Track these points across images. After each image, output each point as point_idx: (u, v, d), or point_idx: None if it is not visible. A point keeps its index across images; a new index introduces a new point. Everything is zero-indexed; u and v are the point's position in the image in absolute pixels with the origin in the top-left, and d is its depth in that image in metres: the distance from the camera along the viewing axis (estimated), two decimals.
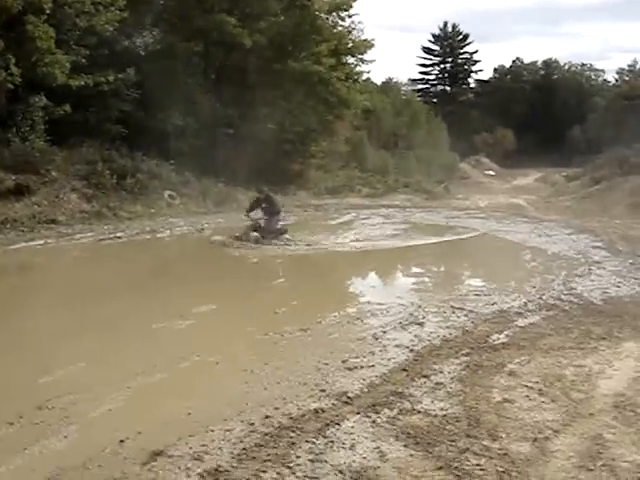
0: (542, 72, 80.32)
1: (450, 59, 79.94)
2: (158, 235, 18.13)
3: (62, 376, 5.99)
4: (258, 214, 16.44)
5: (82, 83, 22.35)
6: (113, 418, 5.01)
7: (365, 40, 34.19)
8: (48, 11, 20.29)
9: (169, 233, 18.61)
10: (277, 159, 32.60)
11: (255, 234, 15.39)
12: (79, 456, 4.24)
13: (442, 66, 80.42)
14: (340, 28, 33.61)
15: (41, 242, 16.05)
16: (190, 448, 4.39)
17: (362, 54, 34.43)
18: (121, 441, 4.49)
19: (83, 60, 22.67)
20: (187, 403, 5.26)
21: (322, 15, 32.32)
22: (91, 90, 23.04)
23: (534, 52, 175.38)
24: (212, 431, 4.70)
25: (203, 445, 4.45)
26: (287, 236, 16.04)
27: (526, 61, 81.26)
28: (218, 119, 30.59)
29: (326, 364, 6.38)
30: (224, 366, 6.36)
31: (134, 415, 5.09)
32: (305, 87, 31.73)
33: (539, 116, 69.76)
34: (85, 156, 22.11)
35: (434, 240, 17.51)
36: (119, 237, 17.34)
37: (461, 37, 79.08)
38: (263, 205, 16.46)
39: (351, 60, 34.88)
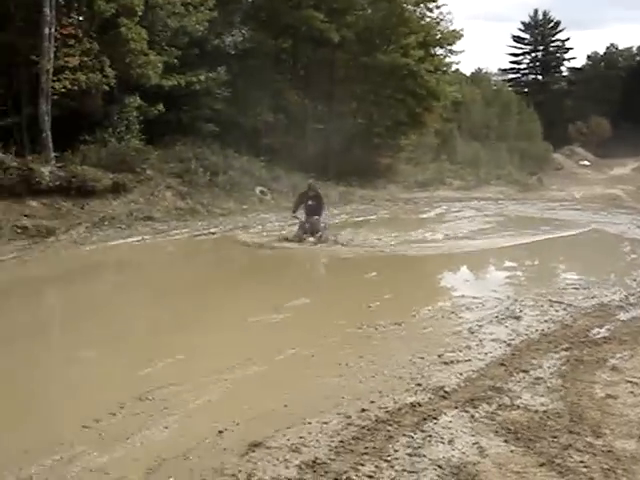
0: (638, 58, 77.31)
1: (541, 47, 77.85)
2: (250, 231, 18.28)
3: (162, 368, 6.04)
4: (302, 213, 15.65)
5: (174, 83, 22.91)
6: (212, 409, 5.04)
7: (454, 31, 33.68)
8: (140, 13, 20.78)
9: (261, 229, 18.73)
10: (366, 153, 32.52)
11: (312, 239, 14.76)
12: (179, 446, 4.26)
13: (533, 55, 78.41)
14: (428, 19, 33.16)
15: (138, 238, 16.41)
16: (288, 440, 4.35)
17: (451, 45, 33.96)
18: (220, 432, 4.50)
19: (175, 60, 23.16)
20: (284, 395, 5.23)
21: (410, 7, 31.96)
22: (183, 90, 23.57)
23: (629, 38, 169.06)
24: (309, 423, 4.65)
25: (300, 437, 4.40)
26: (330, 236, 15.13)
27: (621, 47, 78.54)
28: (307, 115, 30.72)
29: (421, 358, 6.24)
30: (319, 359, 6.31)
31: (232, 407, 5.06)
32: (394, 80, 31.43)
33: (636, 103, 66.98)
34: (178, 154, 22.58)
35: (530, 231, 17.01)
36: (213, 233, 17.59)
37: (552, 24, 76.94)
38: (309, 202, 15.55)
39: (440, 51, 34.44)
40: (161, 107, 22.34)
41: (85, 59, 19.74)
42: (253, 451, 4.18)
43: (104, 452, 4.23)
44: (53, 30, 18.50)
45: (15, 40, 18.30)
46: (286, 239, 15.18)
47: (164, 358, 6.31)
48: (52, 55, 18.68)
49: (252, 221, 20.11)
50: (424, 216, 22.71)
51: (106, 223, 17.54)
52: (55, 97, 19.01)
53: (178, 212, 20.01)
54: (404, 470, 3.96)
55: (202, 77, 23.98)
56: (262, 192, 24.13)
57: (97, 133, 20.13)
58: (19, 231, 15.52)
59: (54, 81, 18.85)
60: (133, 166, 19.85)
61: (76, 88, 19.44)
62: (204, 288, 10.84)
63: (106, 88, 20.40)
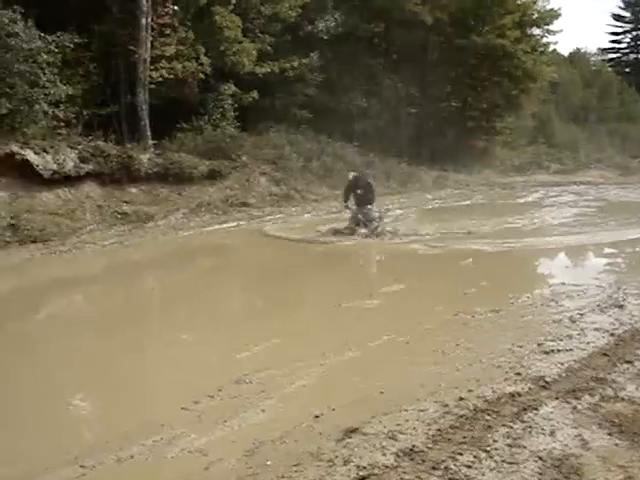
0: None
1: None
2: (344, 216, 18.23)
3: (258, 352, 6.04)
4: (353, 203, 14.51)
5: (268, 70, 23.07)
6: (308, 394, 5.02)
7: (551, 10, 32.55)
8: (234, 1, 21.04)
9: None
10: (461, 137, 32.02)
11: (364, 230, 13.66)
12: (276, 430, 4.25)
13: (634, 33, 75.06)
14: None
15: (234, 224, 16.63)
16: (384, 427, 4.26)
17: (548, 25, 32.83)
18: (316, 417, 4.45)
19: (268, 47, 23.33)
20: (379, 382, 5.13)
21: None
22: (277, 76, 23.73)
23: None
24: (406, 411, 4.53)
25: (397, 424, 4.30)
26: (386, 227, 14.17)
27: None
28: (400, 99, 30.48)
29: (520, 347, 6.02)
30: (414, 346, 6.17)
31: (328, 392, 5.03)
32: (489, 62, 30.76)
33: None
34: (272, 141, 22.71)
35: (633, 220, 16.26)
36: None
37: None
38: (358, 191, 14.33)
39: (537, 31, 33.38)
40: (255, 94, 22.51)
41: (181, 48, 20.15)
42: (349, 437, 4.10)
43: (203, 434, 4.26)
44: (149, 20, 18.90)
45: (113, 31, 18.76)
46: (337, 232, 13.89)
47: (260, 342, 6.30)
48: (149, 45, 19.12)
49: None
50: (521, 201, 22.09)
51: (202, 209, 17.87)
52: (152, 86, 19.46)
53: (272, 198, 20.19)
54: (504, 461, 3.82)
55: (295, 63, 24.08)
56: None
57: (193, 121, 20.44)
58: (119, 217, 15.97)
59: (151, 70, 19.30)
60: (228, 153, 20.08)
61: (172, 77, 19.85)
62: (299, 272, 10.89)
63: (202, 76, 20.75)
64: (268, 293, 9.33)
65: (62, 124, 16.79)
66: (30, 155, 15.14)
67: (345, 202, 14.63)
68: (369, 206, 14.09)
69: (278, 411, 4.66)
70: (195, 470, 3.76)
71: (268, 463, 3.80)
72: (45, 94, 15.50)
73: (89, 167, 16.32)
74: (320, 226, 15.03)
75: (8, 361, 6.19)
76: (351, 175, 15.36)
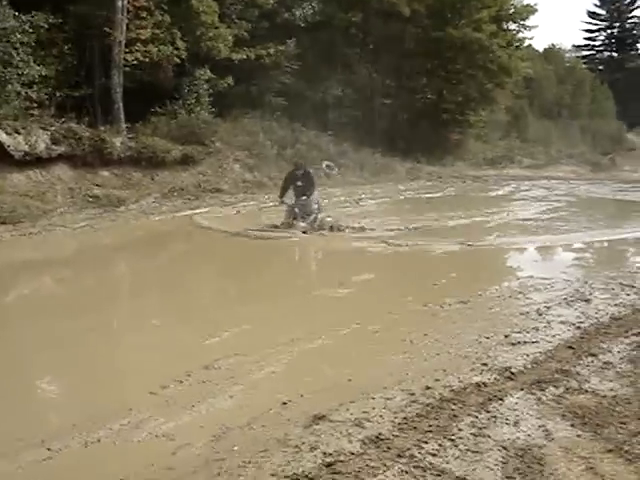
0: None
1: (617, 24, 74.97)
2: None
3: (228, 338, 6.02)
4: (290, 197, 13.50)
5: (244, 56, 22.91)
6: (276, 381, 5.02)
7: (527, 5, 32.68)
8: None
9: (326, 203, 18.67)
10: (435, 129, 32.04)
11: (302, 224, 12.66)
12: (244, 416, 4.25)
13: (609, 31, 75.64)
14: None
15: (206, 210, 16.57)
16: (351, 414, 4.29)
17: (524, 20, 32.91)
18: (284, 403, 4.47)
19: (245, 33, 23.19)
20: (347, 370, 5.17)
21: None
22: (252, 63, 23.54)
23: None
24: (373, 399, 4.57)
25: (364, 412, 4.33)
26: (329, 219, 13.18)
27: None
28: (376, 89, 30.43)
29: (487, 338, 6.08)
30: (383, 335, 6.21)
31: (296, 379, 5.02)
32: (465, 55, 30.76)
33: None
34: (247, 127, 22.63)
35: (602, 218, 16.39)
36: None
37: (629, 0, 74.25)
38: (298, 183, 13.25)
39: (512, 26, 33.41)
40: (230, 80, 22.35)
41: (157, 31, 19.95)
42: (317, 424, 4.12)
43: (170, 418, 4.26)
44: (126, 2, 18.69)
45: (88, 12, 18.49)
46: (275, 226, 13.02)
47: (230, 328, 6.31)
48: (124, 27, 18.91)
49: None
50: (492, 194, 22.23)
51: (175, 194, 17.80)
52: (127, 69, 19.28)
53: (245, 185, 20.14)
54: (468, 450, 3.86)
55: (271, 50, 23.96)
56: (329, 167, 24.02)
57: (167, 105, 20.26)
58: (91, 200, 15.85)
59: (126, 53, 19.11)
60: (202, 138, 19.96)
61: (147, 60, 19.66)
62: (270, 260, 10.90)
63: (177, 60, 20.59)
64: (240, 279, 9.35)
65: (35, 105, 16.61)
66: (1, 136, 14.97)
67: (280, 197, 13.60)
68: (304, 197, 13.01)
69: (246, 397, 4.67)
70: (162, 454, 3.75)
71: (235, 448, 3.82)
72: (18, 74, 15.35)
73: (61, 149, 16.18)
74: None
75: None
76: (293, 164, 14.62)
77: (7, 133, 15.12)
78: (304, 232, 12.39)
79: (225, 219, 15.02)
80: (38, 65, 16.03)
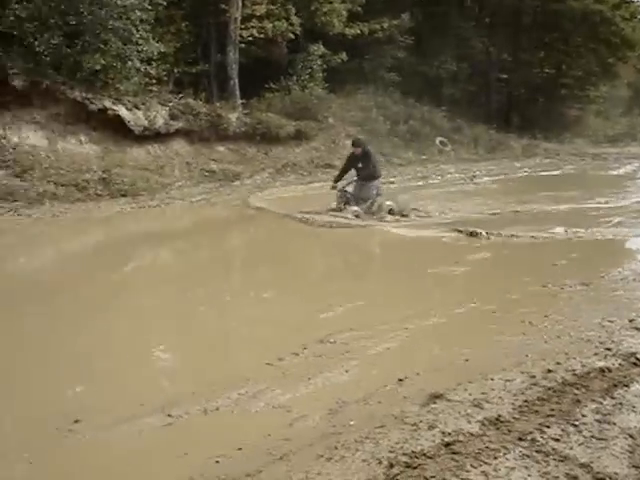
0: None
1: None
2: (430, 181, 17.91)
3: (342, 313, 5.87)
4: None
5: (358, 31, 22.74)
6: (391, 357, 4.81)
7: None
8: None
9: (440, 180, 18.31)
10: (552, 105, 30.94)
11: (355, 208, 11.07)
12: (359, 391, 4.12)
13: None
14: None
15: (319, 185, 16.52)
16: (470, 395, 4.05)
17: None
18: (400, 380, 4.26)
19: (358, 8, 22.94)
20: (464, 349, 4.90)
21: None
22: (366, 38, 23.35)
23: None
24: (491, 380, 4.30)
25: (483, 393, 4.09)
26: (389, 203, 11.35)
27: None
28: (491, 64, 29.63)
29: (611, 322, 5.64)
30: (501, 315, 5.87)
31: (412, 356, 4.80)
32: (585, 28, 29.48)
33: None
34: (360, 103, 22.42)
35: None
36: (392, 182, 17.36)
37: None
38: (359, 165, 11.45)
39: None
40: (344, 55, 22.22)
41: (272, 7, 20.10)
42: (434, 402, 3.89)
43: (287, 390, 4.18)
44: None
45: None
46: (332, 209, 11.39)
47: (344, 304, 6.13)
48: (240, 4, 19.07)
49: (431, 172, 19.68)
50: (613, 173, 21.18)
51: (288, 169, 17.88)
52: (242, 45, 19.44)
53: None
54: (592, 436, 3.56)
55: (385, 25, 23.65)
56: (442, 143, 23.61)
57: (281, 81, 20.33)
58: (207, 174, 16.11)
59: (241, 29, 19.30)
60: (315, 114, 19.91)
61: (262, 36, 19.83)
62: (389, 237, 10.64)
63: (291, 36, 20.68)
64: (354, 254, 9.15)
65: (153, 81, 17.00)
66: (122, 111, 15.36)
67: (335, 181, 11.76)
68: (362, 182, 11.34)
69: (362, 372, 4.53)
70: (279, 425, 3.70)
71: (351, 423, 3.71)
72: (138, 51, 15.60)
73: (179, 124, 16.48)
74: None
75: (96, 312, 6.21)
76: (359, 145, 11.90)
77: (127, 109, 15.49)
78: (356, 215, 10.91)
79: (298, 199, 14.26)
80: (157, 42, 16.25)
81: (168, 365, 5.07)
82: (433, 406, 3.86)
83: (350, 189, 11.38)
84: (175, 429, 3.68)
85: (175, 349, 5.31)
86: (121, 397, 4.14)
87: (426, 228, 10.35)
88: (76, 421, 3.69)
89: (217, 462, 3.27)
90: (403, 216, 11.16)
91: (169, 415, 3.80)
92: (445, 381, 4.22)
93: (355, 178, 11.39)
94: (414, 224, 10.75)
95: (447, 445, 3.42)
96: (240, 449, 3.40)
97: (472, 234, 9.24)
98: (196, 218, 12.58)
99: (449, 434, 3.52)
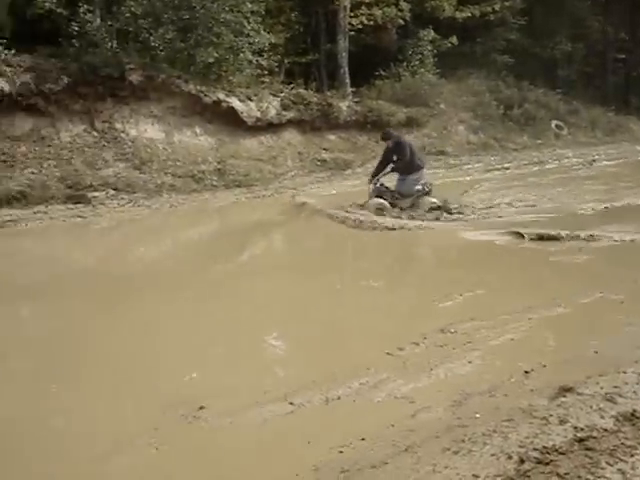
0: None
1: None
2: (546, 167, 17.20)
3: (462, 302, 5.62)
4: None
5: (468, 14, 22.21)
6: (516, 348, 4.60)
7: None
8: None
9: (557, 164, 17.58)
10: None
11: (379, 201, 9.95)
12: (483, 383, 3.96)
13: None
14: None
15: (431, 172, 16.15)
16: (601, 388, 3.75)
17: None
18: (525, 372, 4.08)
19: None
20: (592, 341, 4.57)
21: None
22: (477, 21, 22.78)
23: None
24: (624, 373, 3.99)
25: (615, 387, 3.77)
26: (433, 200, 10.12)
27: None
28: (608, 44, 28.31)
29: None
30: (630, 306, 5.47)
31: (537, 347, 4.57)
32: None
33: None
34: (472, 87, 21.79)
35: None
36: (507, 168, 16.80)
37: None
38: (394, 158, 10.11)
39: None
40: (454, 40, 21.69)
41: None
42: (564, 396, 3.65)
43: (408, 380, 4.05)
44: None
45: None
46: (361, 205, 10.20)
47: (464, 292, 5.88)
48: None
49: (547, 157, 18.94)
50: None
51: None
52: (352, 33, 19.28)
53: (470, 146, 19.52)
54: None
55: (497, 6, 22.95)
56: (558, 126, 22.71)
57: (391, 67, 19.99)
58: (318, 163, 16.09)
59: (351, 17, 19.22)
60: (426, 100, 19.53)
61: (372, 23, 19.64)
62: None
63: (400, 22, 20.40)
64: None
65: (265, 72, 17.09)
66: (235, 102, 15.50)
67: (373, 176, 10.43)
68: (404, 176, 10.14)
69: (485, 363, 4.36)
70: (402, 416, 3.57)
71: (477, 416, 3.54)
72: (249, 43, 15.71)
73: (290, 114, 16.50)
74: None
75: (214, 299, 6.23)
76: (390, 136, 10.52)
77: (240, 100, 15.61)
78: (378, 211, 9.73)
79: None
80: (268, 33, 16.31)
81: (287, 352, 5.06)
82: (563, 400, 3.65)
83: (389, 184, 10.23)
84: (298, 417, 3.65)
85: (293, 336, 5.26)
86: (243, 384, 4.13)
87: (479, 229, 8.84)
88: (201, 407, 3.69)
89: (341, 452, 3.20)
90: (450, 213, 9.86)
91: (291, 403, 3.77)
92: (574, 374, 3.98)
93: (399, 175, 10.19)
94: (465, 225, 9.28)
95: (580, 441, 3.22)
96: (363, 439, 3.30)
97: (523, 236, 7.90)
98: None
99: (581, 429, 3.30)
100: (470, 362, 4.35)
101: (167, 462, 3.24)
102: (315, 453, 3.20)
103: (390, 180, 10.36)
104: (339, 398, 3.84)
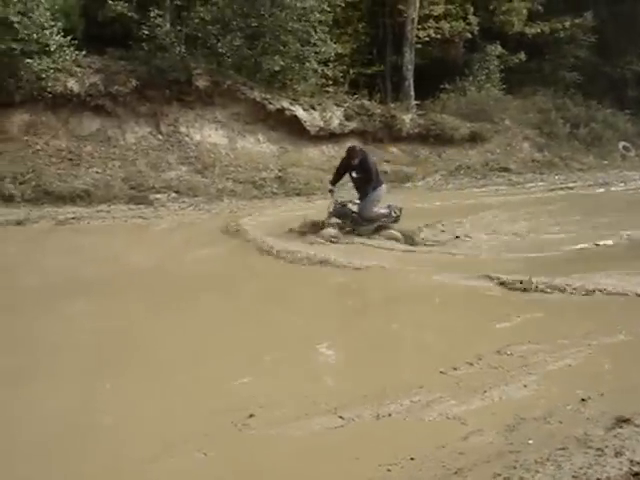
0: None
1: None
2: (612, 188, 16.72)
3: (520, 324, 5.53)
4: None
5: (538, 30, 21.79)
6: (573, 375, 4.46)
7: None
8: None
9: (623, 187, 17.08)
10: None
11: (334, 232, 8.81)
12: (539, 408, 3.88)
13: None
14: None
15: (493, 188, 15.91)
16: None
17: None
18: (582, 400, 3.95)
19: (539, 7, 21.95)
20: None
21: None
22: (546, 37, 22.31)
23: None
24: None
25: None
26: (394, 232, 9.03)
27: None
28: None
29: None
30: None
31: (594, 375, 4.48)
32: None
33: None
34: (538, 105, 21.36)
35: None
36: (570, 188, 16.40)
37: None
38: (353, 174, 9.17)
39: None
40: (522, 56, 21.31)
41: (449, 7, 19.77)
42: (620, 427, 3.54)
43: (461, 401, 3.98)
44: None
45: None
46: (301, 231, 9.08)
47: (522, 314, 5.74)
48: (418, 4, 18.81)
49: (613, 178, 18.42)
50: None
51: (461, 172, 17.39)
52: (418, 46, 19.14)
53: (534, 164, 19.10)
54: None
55: (567, 24, 22.42)
56: (625, 148, 22.09)
57: (457, 82, 19.76)
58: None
59: (418, 30, 19.09)
60: (491, 116, 19.21)
61: (439, 36, 19.48)
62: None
63: (468, 36, 20.18)
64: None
65: (330, 82, 17.11)
66: (299, 111, 15.52)
67: (332, 183, 9.45)
68: (365, 196, 9.05)
69: (541, 389, 4.24)
70: (453, 437, 3.50)
71: (530, 442, 3.45)
72: (315, 52, 15.74)
73: (353, 125, 16.45)
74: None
75: (270, 305, 6.29)
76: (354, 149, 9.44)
77: (304, 109, 15.62)
78: (332, 240, 8.65)
79: None
80: (334, 43, 16.30)
81: (339, 365, 5.05)
82: (619, 431, 3.53)
83: (354, 208, 9.13)
84: (346, 432, 3.60)
85: (346, 349, 5.25)
86: (293, 394, 4.11)
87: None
88: (251, 415, 3.67)
89: (389, 470, 3.14)
90: (412, 244, 8.78)
91: (341, 417, 3.73)
92: (632, 404, 3.88)
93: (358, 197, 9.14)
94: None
95: (636, 475, 3.12)
96: (412, 459, 3.24)
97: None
98: None
99: (638, 463, 3.18)
100: (525, 386, 4.23)
101: (215, 468, 3.21)
102: (363, 470, 3.14)
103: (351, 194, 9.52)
104: (390, 415, 3.77)
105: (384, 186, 9.45)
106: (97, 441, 3.54)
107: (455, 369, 4.48)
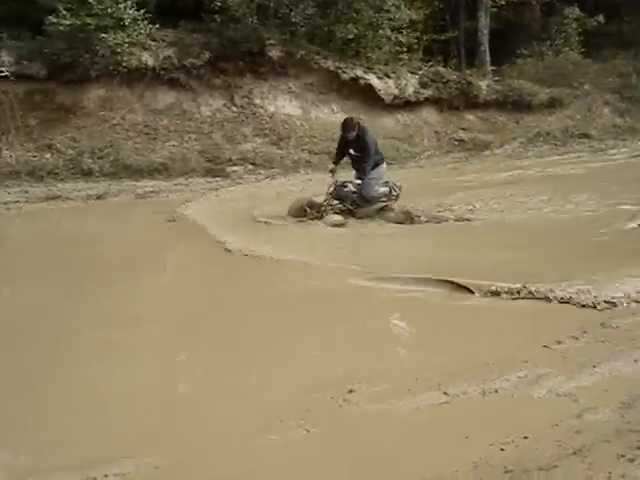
0: None
1: None
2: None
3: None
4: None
5: None
6: None
7: None
8: None
9: None
10: None
11: (337, 218, 7.83)
12: None
13: None
14: None
15: (574, 155, 15.23)
16: None
17: None
18: None
19: None
20: None
21: None
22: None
23: None
24: None
25: None
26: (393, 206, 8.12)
27: None
28: None
29: None
30: None
31: None
32: None
33: None
34: (618, 68, 20.27)
35: None
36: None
37: None
38: (351, 151, 7.92)
39: None
40: (601, 18, 20.29)
41: None
42: None
43: (570, 377, 3.60)
44: None
45: None
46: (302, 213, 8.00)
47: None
48: None
49: None
50: None
51: (540, 139, 16.71)
52: (493, 10, 18.43)
53: (616, 130, 18.19)
54: None
55: None
56: None
57: (534, 46, 18.96)
58: (456, 143, 15.50)
59: None
60: (570, 80, 18.34)
61: (515, 0, 18.62)
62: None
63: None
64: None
65: (404, 49, 16.61)
66: (373, 80, 15.09)
67: (335, 163, 8.20)
68: (359, 178, 7.95)
69: None
70: (566, 415, 3.19)
71: None
72: (389, 19, 15.23)
73: (428, 93, 15.91)
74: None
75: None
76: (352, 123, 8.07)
77: (378, 77, 15.18)
78: (338, 224, 7.73)
79: None
80: (407, 9, 15.77)
81: (437, 338, 4.51)
82: None
83: (354, 188, 7.98)
84: (453, 409, 3.32)
85: (444, 323, 4.71)
86: (393, 368, 3.84)
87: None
88: (350, 391, 3.44)
89: (502, 449, 2.88)
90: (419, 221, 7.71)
91: (445, 393, 3.43)
92: None
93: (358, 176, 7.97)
94: None
95: None
96: (526, 437, 2.96)
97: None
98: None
99: None
100: (636, 361, 3.83)
101: (318, 444, 3.03)
102: (474, 449, 2.90)
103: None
104: (496, 391, 3.48)
105: (384, 164, 8.34)
106: (196, 417, 3.37)
107: (559, 343, 4.07)
